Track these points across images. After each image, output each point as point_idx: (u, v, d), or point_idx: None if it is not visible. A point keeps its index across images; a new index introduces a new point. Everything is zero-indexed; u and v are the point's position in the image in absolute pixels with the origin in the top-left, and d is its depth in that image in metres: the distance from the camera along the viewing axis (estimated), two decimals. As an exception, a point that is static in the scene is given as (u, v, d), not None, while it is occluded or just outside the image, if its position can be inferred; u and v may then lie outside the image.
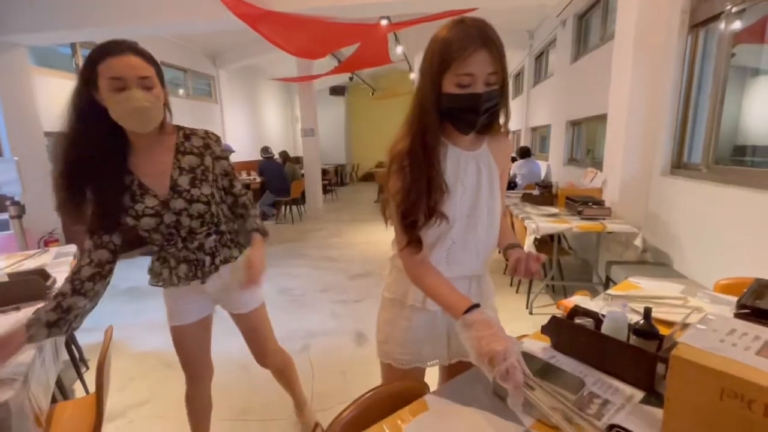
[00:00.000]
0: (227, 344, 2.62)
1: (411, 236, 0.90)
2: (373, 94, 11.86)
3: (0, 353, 0.93)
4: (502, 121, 0.93)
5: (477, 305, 0.79)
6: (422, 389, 0.95)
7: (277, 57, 6.34)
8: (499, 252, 1.06)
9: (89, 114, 0.98)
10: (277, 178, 6.68)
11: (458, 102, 0.83)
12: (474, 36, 0.79)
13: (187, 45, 6.73)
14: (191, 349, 1.39)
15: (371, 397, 0.90)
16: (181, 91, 6.80)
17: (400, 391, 0.92)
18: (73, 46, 4.85)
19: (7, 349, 0.94)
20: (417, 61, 6.59)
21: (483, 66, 0.80)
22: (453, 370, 1.05)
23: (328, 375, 2.26)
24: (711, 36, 2.53)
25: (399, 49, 6.22)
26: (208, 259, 1.23)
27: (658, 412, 0.73)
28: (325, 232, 6.01)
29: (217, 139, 1.22)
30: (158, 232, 1.14)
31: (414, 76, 6.89)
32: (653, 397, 0.81)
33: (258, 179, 6.83)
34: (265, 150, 6.90)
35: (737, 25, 2.30)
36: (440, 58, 0.81)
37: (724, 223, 2.18)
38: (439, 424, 0.74)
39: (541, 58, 6.79)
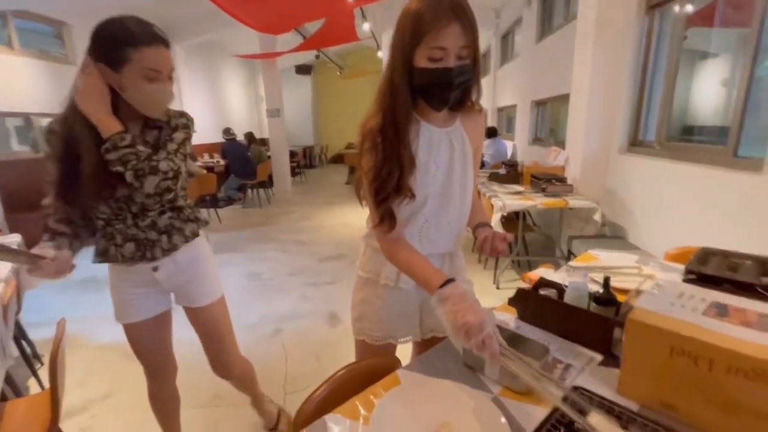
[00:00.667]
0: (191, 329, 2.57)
1: (384, 213, 0.89)
2: (340, 73, 11.56)
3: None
4: (474, 97, 0.92)
5: (452, 279, 0.79)
6: (394, 364, 0.96)
7: (238, 32, 6.01)
8: (470, 229, 1.08)
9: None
10: (242, 161, 6.44)
11: (430, 77, 0.81)
12: (446, 8, 0.77)
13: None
14: (149, 349, 1.29)
15: (344, 375, 0.90)
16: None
17: (373, 367, 0.93)
18: (3, 17, 4.38)
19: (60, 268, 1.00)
20: (385, 39, 6.45)
21: (455, 39, 0.78)
22: (426, 345, 1.08)
23: (302, 358, 2.26)
24: (666, 18, 2.63)
25: (366, 26, 6.05)
26: (164, 238, 1.15)
27: (615, 372, 0.78)
28: (295, 216, 5.90)
29: (179, 112, 1.18)
30: (107, 205, 1.07)
31: (382, 54, 6.75)
32: (611, 359, 0.86)
33: (222, 162, 6.56)
34: (227, 131, 6.61)
35: (689, 8, 2.40)
36: (412, 31, 0.79)
37: (673, 196, 2.33)
38: (411, 396, 0.76)
39: (507, 38, 6.83)
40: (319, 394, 0.85)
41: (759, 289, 0.95)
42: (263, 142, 7.94)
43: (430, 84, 0.83)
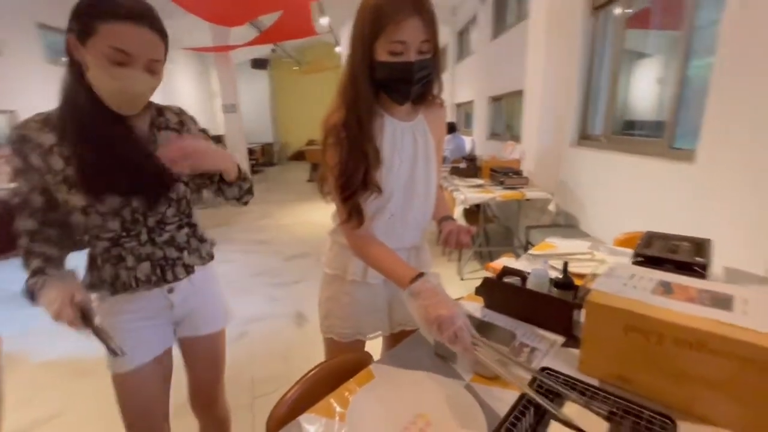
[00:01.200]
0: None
1: (352, 209, 0.89)
2: (298, 68, 11.30)
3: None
4: (435, 91, 0.93)
5: (422, 274, 0.80)
6: (366, 360, 0.96)
7: (188, 23, 5.67)
8: (435, 223, 1.10)
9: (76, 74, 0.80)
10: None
11: (391, 71, 0.81)
12: (406, 2, 0.76)
13: (71, 2, 5.73)
14: (144, 407, 1.00)
15: (315, 374, 0.89)
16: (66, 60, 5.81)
17: (344, 364, 0.92)
18: None
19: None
20: (343, 34, 6.38)
21: (415, 33, 0.78)
22: (395, 339, 1.08)
23: (270, 360, 2.20)
24: (609, 19, 2.80)
25: (324, 21, 5.95)
26: (185, 254, 0.98)
27: (576, 352, 0.83)
28: (255, 215, 5.72)
29: (192, 117, 1.03)
30: (118, 217, 0.87)
31: (340, 49, 6.67)
32: (572, 340, 0.92)
33: (174, 161, 6.21)
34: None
35: (629, 10, 2.58)
36: (371, 24, 0.79)
37: (618, 186, 2.50)
38: (386, 390, 0.76)
39: (463, 34, 6.99)
40: (290, 395, 0.83)
41: (695, 268, 1.04)
42: (218, 139, 7.59)
43: (391, 78, 0.83)
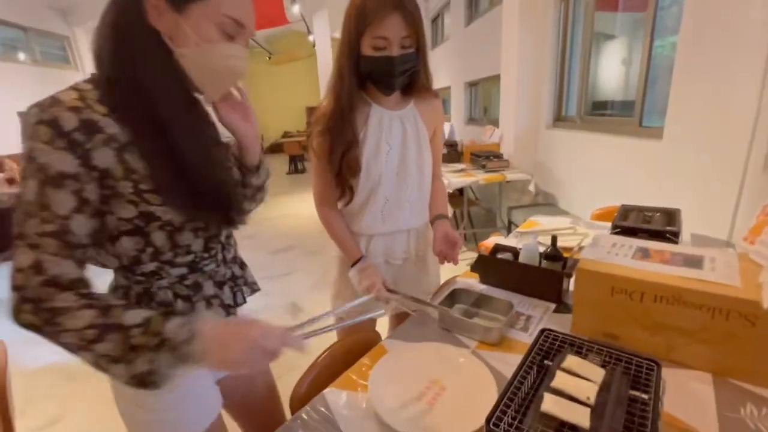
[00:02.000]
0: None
1: (344, 189, 1.01)
2: (270, 58, 11.03)
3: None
4: (423, 82, 0.99)
5: (363, 256, 1.04)
6: (374, 339, 1.02)
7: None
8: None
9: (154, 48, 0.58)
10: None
11: (374, 64, 0.88)
12: (388, 0, 0.83)
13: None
14: None
15: (329, 356, 0.94)
16: (22, 56, 5.49)
17: (354, 345, 0.98)
18: None
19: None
20: (315, 22, 6.28)
21: (397, 29, 0.84)
22: (399, 319, 1.16)
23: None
24: (579, 4, 2.90)
25: (296, 8, 5.83)
26: (247, 271, 0.84)
27: (568, 317, 0.92)
28: (237, 210, 5.64)
29: None
30: (202, 233, 0.69)
31: (313, 38, 6.57)
32: (562, 306, 1.01)
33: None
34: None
35: (597, -7, 2.67)
36: (356, 22, 0.86)
37: (593, 164, 2.63)
38: (400, 361, 0.82)
39: (437, 21, 7.00)
40: (307, 376, 0.89)
41: (667, 235, 1.15)
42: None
43: (375, 71, 0.90)
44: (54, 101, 0.52)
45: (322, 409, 0.72)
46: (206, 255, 0.71)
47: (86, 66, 6.58)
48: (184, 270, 0.68)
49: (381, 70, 0.89)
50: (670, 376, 0.72)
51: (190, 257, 0.68)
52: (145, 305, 0.65)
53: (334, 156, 0.96)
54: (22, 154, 0.52)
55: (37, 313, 0.50)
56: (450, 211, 3.11)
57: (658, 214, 1.32)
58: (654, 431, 0.49)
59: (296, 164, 8.83)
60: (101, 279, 0.64)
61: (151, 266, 0.64)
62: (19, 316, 0.50)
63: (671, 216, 1.28)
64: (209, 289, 0.73)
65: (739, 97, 1.34)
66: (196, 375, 0.72)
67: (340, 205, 1.07)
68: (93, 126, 0.53)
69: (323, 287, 2.94)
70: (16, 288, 0.50)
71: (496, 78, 3.74)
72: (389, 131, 1.00)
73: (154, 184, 0.58)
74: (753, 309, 0.66)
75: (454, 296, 1.03)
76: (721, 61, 1.49)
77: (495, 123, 4.04)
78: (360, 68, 0.91)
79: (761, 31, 1.23)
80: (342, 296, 1.14)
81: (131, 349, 0.50)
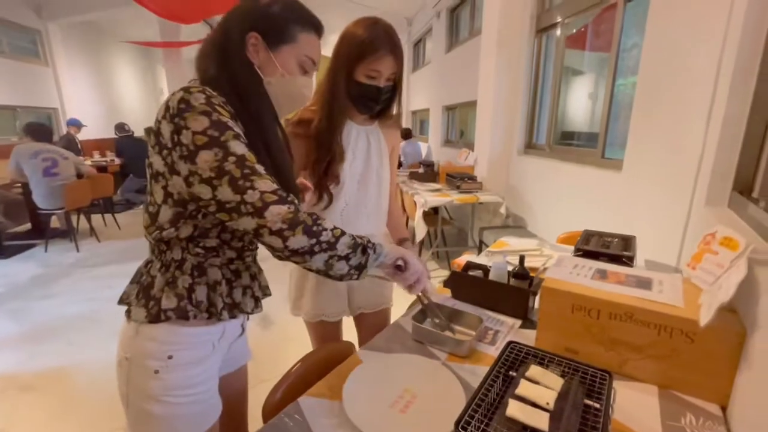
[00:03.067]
0: (112, 347, 2.33)
1: (322, 194, 1.08)
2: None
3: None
4: (394, 110, 1.12)
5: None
6: (348, 349, 1.04)
7: (132, 14, 5.39)
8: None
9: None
10: (142, 159, 5.69)
11: (364, 90, 1.02)
12: (385, 42, 0.98)
13: None
14: None
15: (301, 367, 0.95)
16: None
17: (328, 355, 0.99)
18: None
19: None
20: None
21: (388, 67, 1.00)
22: (358, 321, 1.29)
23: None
24: (551, 40, 3.12)
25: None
26: (263, 274, 0.89)
27: (533, 332, 0.97)
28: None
29: None
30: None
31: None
32: (528, 322, 1.07)
33: (117, 161, 5.81)
34: (121, 127, 5.83)
35: (567, 32, 2.90)
36: (356, 53, 0.99)
37: (560, 191, 2.79)
38: (374, 371, 0.85)
39: (419, 45, 7.27)
40: (281, 384, 0.89)
41: (624, 259, 1.24)
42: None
43: (362, 95, 1.04)
44: (212, 93, 0.65)
45: (297, 416, 0.74)
46: (250, 247, 0.80)
47: (57, 62, 6.34)
48: (233, 254, 0.76)
49: (368, 96, 1.03)
50: (621, 387, 0.78)
51: (240, 244, 0.77)
52: (198, 278, 0.72)
53: (318, 165, 1.07)
54: (207, 125, 0.61)
55: (305, 217, 0.63)
56: (424, 230, 3.18)
57: (617, 240, 1.43)
58: (604, 434, 0.54)
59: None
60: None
61: (213, 242, 0.73)
62: (294, 216, 0.62)
63: (627, 242, 1.39)
64: (246, 279, 0.80)
65: (687, 137, 1.49)
66: (213, 375, 0.78)
67: (313, 208, 1.13)
68: (235, 117, 0.68)
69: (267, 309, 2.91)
70: (276, 202, 0.61)
71: (472, 104, 3.91)
72: (356, 142, 1.12)
73: None
74: (692, 327, 0.74)
75: (426, 310, 1.07)
76: (673, 103, 1.65)
77: (470, 146, 4.20)
78: (349, 90, 1.03)
79: (705, 79, 1.38)
80: (303, 300, 1.21)
81: (356, 246, 0.68)
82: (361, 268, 0.69)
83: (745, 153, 1.14)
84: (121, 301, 0.78)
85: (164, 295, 0.69)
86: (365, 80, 1.01)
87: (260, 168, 0.63)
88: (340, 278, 0.69)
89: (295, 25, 0.73)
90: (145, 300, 0.71)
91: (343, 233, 0.67)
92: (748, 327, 0.70)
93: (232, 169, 0.60)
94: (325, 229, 0.64)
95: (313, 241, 0.62)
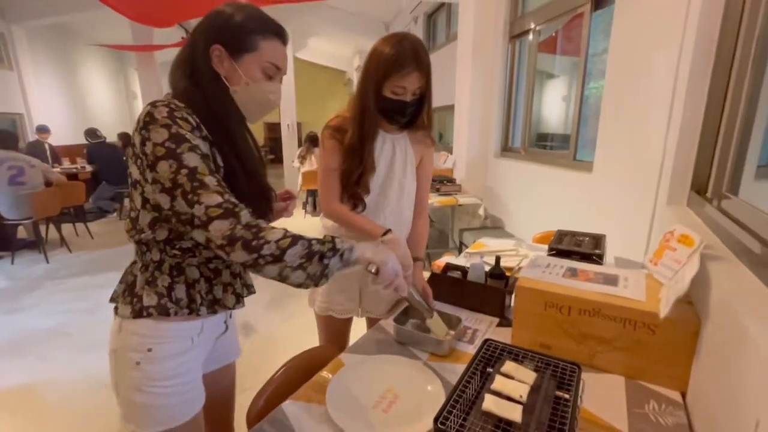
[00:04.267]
0: (85, 362, 2.24)
1: (356, 203, 1.15)
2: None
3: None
4: (423, 120, 1.15)
5: (389, 230, 1.09)
6: (331, 352, 1.06)
7: (101, 16, 5.22)
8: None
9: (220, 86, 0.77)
10: (115, 166, 5.59)
11: (391, 105, 1.07)
12: (411, 58, 1.01)
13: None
14: None
15: (284, 372, 0.95)
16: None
17: (311, 359, 1.01)
18: None
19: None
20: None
21: (414, 82, 1.04)
22: (371, 325, 1.31)
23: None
24: (523, 46, 3.22)
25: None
26: (247, 272, 0.91)
27: (509, 330, 1.01)
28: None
29: None
30: None
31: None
32: (504, 320, 1.11)
33: (88, 168, 5.62)
34: (92, 133, 5.61)
35: (539, 39, 3.00)
36: (384, 69, 1.03)
37: (535, 192, 2.88)
38: (357, 373, 0.87)
39: (396, 49, 7.33)
40: (264, 391, 0.90)
41: (594, 258, 1.31)
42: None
43: (390, 110, 1.08)
44: (177, 106, 0.69)
45: (281, 421, 0.75)
46: None
47: (22, 66, 6.09)
48: (210, 254, 0.78)
49: (395, 110, 1.08)
50: (591, 380, 0.83)
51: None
52: (176, 277, 0.76)
53: (350, 175, 1.13)
54: (165, 137, 0.64)
55: (247, 229, 0.63)
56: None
57: (588, 238, 1.49)
58: (572, 423, 0.58)
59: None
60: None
61: (188, 243, 0.75)
62: (232, 232, 0.62)
63: (598, 241, 1.45)
64: (226, 276, 0.83)
65: (650, 140, 1.58)
66: (193, 368, 0.81)
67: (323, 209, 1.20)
68: (200, 127, 0.71)
69: (278, 305, 2.89)
70: (221, 216, 0.63)
71: (450, 108, 3.99)
72: (381, 149, 1.16)
73: (227, 179, 0.72)
74: (653, 319, 0.79)
75: (408, 312, 1.10)
76: (637, 107, 1.75)
77: (449, 150, 4.27)
78: (378, 104, 1.08)
79: (664, 84, 1.47)
80: (317, 291, 1.26)
81: (311, 254, 0.66)
82: (321, 276, 0.67)
83: (700, 155, 1.23)
84: (111, 299, 0.81)
85: (145, 293, 0.74)
86: (392, 95, 1.05)
87: (210, 180, 0.65)
88: (299, 286, 0.67)
89: (255, 34, 0.76)
90: (129, 297, 0.75)
91: (293, 243, 0.64)
92: (703, 318, 0.76)
93: (184, 182, 0.63)
94: (268, 242, 0.63)
95: (255, 255, 0.62)
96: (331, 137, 1.14)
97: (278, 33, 0.80)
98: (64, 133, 6.57)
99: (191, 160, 0.65)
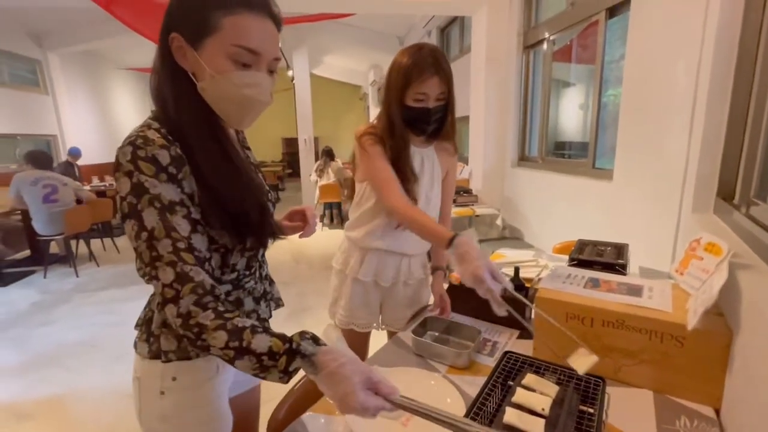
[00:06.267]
0: (113, 374, 2.30)
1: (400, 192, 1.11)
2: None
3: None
4: (448, 129, 1.15)
5: (457, 234, 0.92)
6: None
7: (129, 42, 5.50)
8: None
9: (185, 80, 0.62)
10: (141, 183, 5.80)
11: (415, 113, 1.07)
12: (429, 63, 1.01)
13: (-4, 18, 5.32)
14: None
15: (306, 382, 0.96)
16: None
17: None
18: None
19: None
20: (295, 58, 6.52)
21: (434, 88, 1.04)
22: (390, 337, 1.27)
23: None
24: (538, 56, 3.22)
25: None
26: (274, 287, 0.88)
27: (530, 342, 1.00)
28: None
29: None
30: (246, 251, 0.73)
31: (292, 73, 6.80)
32: (525, 333, 1.09)
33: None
34: (124, 151, 5.86)
35: (554, 48, 2.99)
36: (404, 79, 1.04)
37: (553, 201, 2.83)
38: (375, 386, 0.87)
39: (410, 62, 7.42)
40: (284, 403, 0.91)
41: (617, 267, 1.27)
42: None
43: (414, 118, 1.08)
44: (146, 140, 0.58)
45: (301, 432, 0.75)
46: (247, 272, 0.76)
47: (56, 90, 6.45)
48: (228, 287, 0.73)
49: (419, 118, 1.07)
50: (617, 394, 0.80)
51: (233, 275, 0.73)
52: None
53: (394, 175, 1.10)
54: (128, 189, 0.56)
55: (188, 328, 0.55)
56: (423, 243, 3.20)
57: (610, 248, 1.45)
58: (598, 438, 0.56)
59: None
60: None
61: None
62: (178, 328, 0.55)
63: (620, 250, 1.42)
64: (249, 304, 0.77)
65: (672, 147, 1.54)
66: (220, 394, 0.75)
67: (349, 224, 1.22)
68: (181, 159, 0.60)
69: (296, 319, 2.91)
70: (171, 300, 0.55)
71: (465, 119, 4.00)
72: (411, 164, 1.15)
73: (202, 208, 0.62)
74: (681, 331, 0.77)
75: (426, 324, 1.09)
76: (657, 114, 1.71)
77: (465, 160, 4.27)
78: (402, 115, 1.08)
79: (685, 90, 1.44)
80: (339, 304, 1.26)
81: (264, 369, 0.54)
82: (287, 381, 0.56)
83: (726, 160, 1.19)
84: (136, 325, 0.76)
85: (163, 335, 0.68)
86: (415, 104, 1.05)
87: (164, 245, 0.56)
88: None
89: (216, 9, 0.58)
90: (146, 335, 0.70)
91: (238, 357, 0.53)
92: (734, 329, 0.73)
93: (143, 250, 0.56)
94: (212, 347, 0.54)
95: (202, 350, 0.56)
96: (375, 143, 1.10)
97: (249, 2, 0.60)
98: (94, 153, 6.88)
99: (149, 219, 0.56)
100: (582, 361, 0.70)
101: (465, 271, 0.85)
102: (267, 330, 0.56)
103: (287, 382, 0.56)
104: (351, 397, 0.52)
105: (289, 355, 0.54)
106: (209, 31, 0.59)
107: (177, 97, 0.62)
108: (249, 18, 0.59)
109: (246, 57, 0.61)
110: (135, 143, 0.57)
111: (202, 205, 0.62)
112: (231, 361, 0.54)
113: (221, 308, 0.57)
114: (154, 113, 0.65)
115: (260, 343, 0.54)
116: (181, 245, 0.57)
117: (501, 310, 0.82)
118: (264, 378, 0.55)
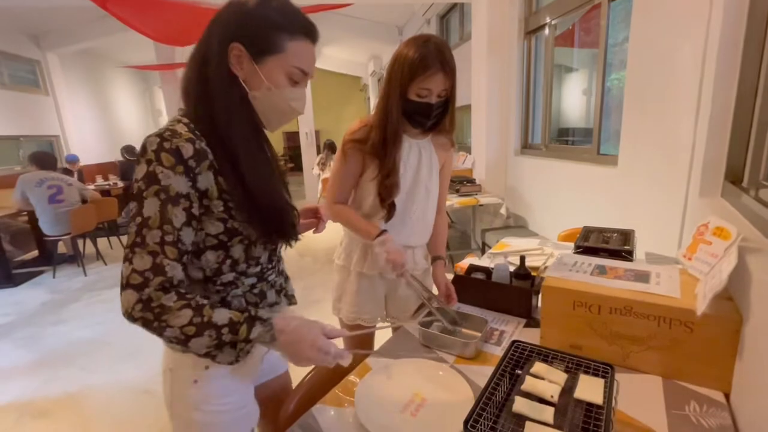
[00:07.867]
0: (124, 370, 2.33)
1: (390, 209, 1.15)
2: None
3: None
4: (447, 125, 1.14)
5: (385, 231, 1.11)
6: (359, 356, 1.06)
7: (127, 40, 5.48)
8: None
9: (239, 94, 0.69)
10: (146, 181, 5.81)
11: (417, 107, 1.05)
12: (436, 59, 1.00)
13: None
14: None
15: (315, 374, 0.98)
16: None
17: (337, 365, 1.02)
18: None
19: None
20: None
21: (438, 84, 1.02)
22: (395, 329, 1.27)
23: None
24: (540, 41, 3.17)
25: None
26: (289, 283, 0.92)
27: (537, 330, 1.00)
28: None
29: None
30: (267, 245, 0.79)
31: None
32: (531, 321, 1.09)
33: (120, 184, 5.88)
34: (130, 150, 5.88)
35: (555, 33, 2.94)
36: (408, 73, 1.02)
37: (558, 188, 2.81)
38: (384, 376, 0.87)
39: (410, 52, 7.34)
40: (294, 395, 0.92)
41: (623, 254, 1.26)
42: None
43: (415, 112, 1.07)
44: (174, 133, 0.63)
45: (312, 425, 0.76)
46: (270, 266, 0.81)
47: (57, 90, 6.45)
48: (253, 279, 0.78)
49: (421, 112, 1.06)
50: (626, 380, 0.80)
51: (258, 268, 0.78)
52: None
53: (377, 178, 1.13)
54: (142, 175, 0.61)
55: (149, 310, 0.58)
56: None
57: (616, 234, 1.45)
58: (607, 425, 0.56)
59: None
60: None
61: (230, 276, 0.73)
62: (132, 311, 0.58)
63: (626, 236, 1.41)
64: (272, 296, 0.83)
65: (678, 131, 1.52)
66: (248, 386, 0.82)
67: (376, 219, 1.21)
68: (203, 153, 0.64)
69: (306, 312, 2.93)
70: (134, 287, 0.58)
71: (467, 107, 3.96)
72: (408, 156, 1.16)
73: (234, 201, 0.68)
74: (690, 317, 0.76)
75: (432, 314, 1.09)
76: (662, 98, 1.68)
77: (467, 149, 4.24)
78: (403, 107, 1.07)
79: (691, 73, 1.42)
80: (344, 300, 1.26)
81: (221, 344, 0.60)
82: (235, 361, 0.63)
83: (734, 143, 1.17)
84: None
85: None
86: (417, 98, 1.04)
87: (154, 235, 0.59)
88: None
89: (283, 32, 0.66)
90: None
91: (198, 333, 0.58)
92: (744, 314, 0.73)
93: (132, 231, 0.60)
94: (171, 327, 0.58)
95: (156, 333, 0.59)
96: (352, 149, 1.13)
97: (308, 32, 0.70)
98: (96, 152, 6.90)
99: (149, 207, 0.60)
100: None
101: (389, 251, 1.06)
102: (224, 306, 0.63)
103: (238, 361, 0.62)
104: (316, 341, 0.63)
105: (248, 322, 0.61)
106: (274, 50, 0.67)
107: (223, 99, 0.67)
108: (306, 44, 0.70)
109: (298, 76, 0.71)
110: (163, 135, 0.62)
111: (234, 199, 0.68)
112: (186, 341, 0.59)
113: (183, 292, 0.61)
114: (182, 111, 0.70)
115: (220, 316, 0.61)
116: (169, 238, 0.61)
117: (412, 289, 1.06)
118: (213, 359, 0.61)
